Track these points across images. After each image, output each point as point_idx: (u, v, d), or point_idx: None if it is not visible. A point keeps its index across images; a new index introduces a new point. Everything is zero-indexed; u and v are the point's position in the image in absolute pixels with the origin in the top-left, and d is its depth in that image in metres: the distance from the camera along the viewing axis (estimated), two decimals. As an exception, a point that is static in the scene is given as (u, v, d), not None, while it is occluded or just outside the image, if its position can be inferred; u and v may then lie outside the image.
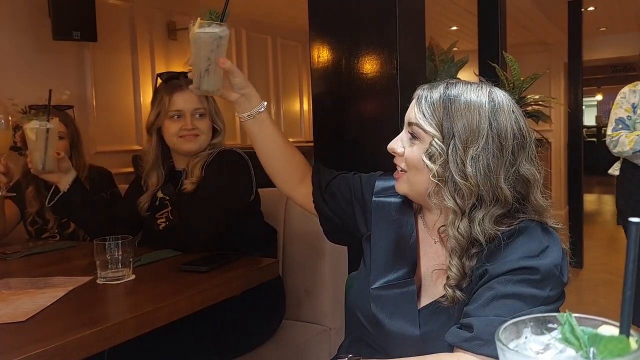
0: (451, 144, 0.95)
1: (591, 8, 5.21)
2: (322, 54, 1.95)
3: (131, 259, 1.34)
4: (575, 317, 0.50)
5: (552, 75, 6.67)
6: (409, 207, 1.10)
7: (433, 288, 1.03)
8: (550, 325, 0.53)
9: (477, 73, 2.37)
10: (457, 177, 0.94)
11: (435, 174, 0.96)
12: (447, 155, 0.95)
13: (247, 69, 5.31)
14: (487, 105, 0.96)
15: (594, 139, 12.53)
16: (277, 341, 1.78)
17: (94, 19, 3.53)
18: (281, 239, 1.99)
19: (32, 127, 1.62)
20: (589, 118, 13.99)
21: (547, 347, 0.51)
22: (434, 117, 0.97)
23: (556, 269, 0.91)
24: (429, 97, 0.99)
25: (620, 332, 0.47)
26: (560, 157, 6.93)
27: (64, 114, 2.10)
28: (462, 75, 2.03)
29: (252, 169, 1.76)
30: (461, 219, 0.95)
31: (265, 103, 1.27)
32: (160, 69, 4.45)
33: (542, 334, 0.53)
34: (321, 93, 2.01)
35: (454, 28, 5.60)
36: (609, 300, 3.80)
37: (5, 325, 1.00)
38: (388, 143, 1.07)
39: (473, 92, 0.98)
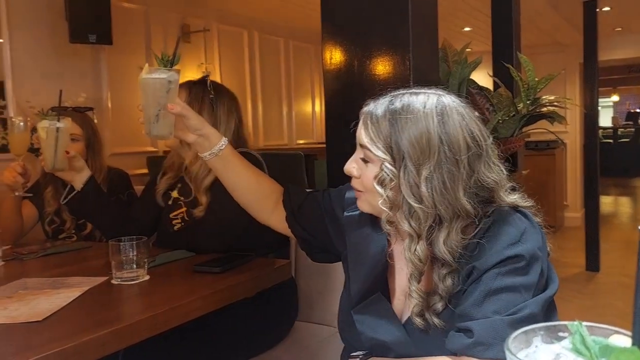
0: (402, 166, 0.90)
1: (606, 8, 5.15)
2: (335, 56, 1.96)
3: (146, 260, 1.35)
4: (586, 326, 0.49)
5: (568, 76, 6.60)
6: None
7: (409, 307, 0.99)
8: (560, 334, 0.52)
9: (491, 74, 2.36)
10: (410, 201, 0.90)
11: (386, 199, 0.92)
12: (399, 178, 0.91)
13: (259, 71, 5.33)
14: (434, 117, 0.91)
15: (610, 140, 12.39)
16: (290, 342, 1.78)
17: (109, 23, 3.57)
18: (294, 240, 1.99)
19: (43, 126, 1.65)
20: (605, 119, 13.84)
21: (557, 357, 0.50)
22: (379, 137, 0.93)
23: (539, 251, 0.90)
24: (374, 115, 0.94)
25: (633, 344, 0.46)
26: (576, 159, 6.86)
27: (82, 116, 2.12)
28: (476, 76, 2.02)
29: (267, 170, 1.77)
30: (417, 242, 0.91)
31: (226, 139, 1.25)
32: (174, 71, 4.49)
33: (553, 342, 0.52)
34: (333, 94, 2.02)
35: (468, 29, 5.57)
36: (626, 304, 3.74)
37: (23, 325, 1.01)
38: (344, 166, 1.04)
39: (419, 104, 0.93)
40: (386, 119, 0.92)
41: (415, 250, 0.91)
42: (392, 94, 0.97)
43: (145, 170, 3.86)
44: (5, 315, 1.07)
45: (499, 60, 2.58)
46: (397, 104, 0.94)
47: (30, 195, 1.96)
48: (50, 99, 3.35)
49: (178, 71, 1.18)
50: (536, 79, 1.90)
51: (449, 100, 0.95)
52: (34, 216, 2.09)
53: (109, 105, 3.96)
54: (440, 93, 0.96)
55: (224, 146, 1.23)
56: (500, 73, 2.38)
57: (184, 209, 1.77)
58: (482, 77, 2.22)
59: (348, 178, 1.34)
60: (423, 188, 0.89)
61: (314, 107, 6.29)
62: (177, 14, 4.50)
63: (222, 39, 4.86)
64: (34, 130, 3.36)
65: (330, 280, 1.89)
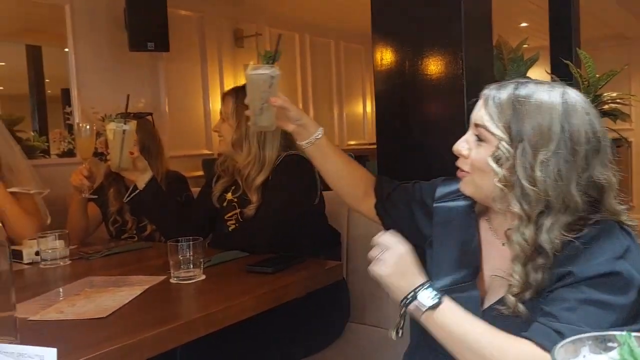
0: (519, 147, 0.92)
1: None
2: (385, 56, 1.95)
3: (202, 260, 1.40)
4: (635, 337, 0.47)
5: (632, 71, 6.28)
6: (471, 210, 1.08)
7: (496, 292, 1.00)
8: (609, 344, 0.51)
9: (549, 71, 2.28)
10: (524, 182, 0.90)
11: (502, 178, 0.93)
12: (515, 159, 0.92)
13: (310, 73, 5.38)
14: (559, 107, 0.92)
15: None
16: (342, 344, 1.79)
17: (166, 31, 3.70)
18: (345, 241, 2.00)
19: (111, 129, 1.75)
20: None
21: (605, 367, 0.48)
22: (501, 118, 0.94)
23: (638, 273, 0.87)
24: (496, 97, 0.96)
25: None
26: (642, 158, 6.53)
27: (139, 120, 2.21)
28: (533, 73, 1.96)
29: (316, 172, 1.79)
30: (527, 225, 0.92)
31: (322, 129, 1.33)
32: (228, 76, 4.61)
33: (601, 353, 0.50)
34: (384, 95, 2.00)
35: (524, 24, 5.41)
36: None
37: (89, 321, 1.07)
38: (452, 145, 1.06)
39: (545, 93, 0.94)
40: (510, 103, 0.94)
41: (523, 232, 0.92)
42: (516, 80, 0.99)
43: (200, 172, 3.97)
44: (73, 311, 1.13)
45: (557, 57, 2.49)
46: (522, 90, 0.95)
47: (96, 197, 2.06)
48: (111, 105, 3.51)
49: (279, 67, 1.27)
50: (597, 76, 1.83)
51: (574, 93, 0.96)
52: (98, 217, 2.20)
53: (167, 109, 4.10)
54: (565, 86, 0.98)
55: (320, 135, 1.30)
56: (558, 70, 2.30)
57: (237, 210, 1.81)
58: (540, 74, 2.15)
59: (402, 180, 1.35)
60: (538, 172, 0.90)
61: (364, 108, 6.28)
62: (230, 20, 4.61)
63: (273, 42, 4.93)
64: (98, 135, 3.53)
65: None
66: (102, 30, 3.72)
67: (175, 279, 1.36)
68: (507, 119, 0.94)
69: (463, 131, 1.71)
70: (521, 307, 0.92)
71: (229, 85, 4.59)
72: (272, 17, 4.89)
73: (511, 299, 0.93)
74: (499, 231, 1.03)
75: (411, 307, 0.96)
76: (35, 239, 1.68)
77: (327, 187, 1.86)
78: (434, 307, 0.94)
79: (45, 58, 3.77)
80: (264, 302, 1.25)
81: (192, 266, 1.37)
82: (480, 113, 0.98)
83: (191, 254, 1.37)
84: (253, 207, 1.74)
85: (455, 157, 1.06)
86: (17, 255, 1.66)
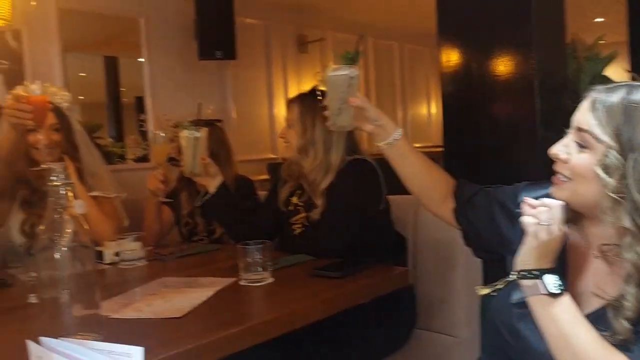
0: (631, 157, 0.85)
1: None
2: (452, 57, 1.91)
3: (270, 263, 1.43)
4: None
5: None
6: None
7: (583, 306, 0.94)
8: None
9: (629, 69, 2.16)
10: (637, 196, 0.84)
11: (613, 188, 0.86)
12: (626, 169, 0.85)
13: (374, 76, 5.37)
14: None
15: None
16: (409, 350, 1.77)
17: (233, 39, 3.82)
18: (410, 247, 1.97)
19: (184, 136, 1.83)
20: None
21: None
22: (610, 124, 0.87)
23: None
24: (606, 101, 0.89)
25: None
26: None
27: (206, 124, 2.29)
28: (611, 72, 1.86)
29: (382, 176, 1.78)
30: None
31: (401, 130, 1.31)
32: (292, 81, 4.68)
33: None
34: (451, 97, 1.97)
35: (600, 19, 5.14)
36: None
37: (166, 320, 1.12)
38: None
39: None
40: (622, 108, 0.88)
41: (637, 250, 0.86)
42: (628, 83, 0.93)
43: (265, 176, 4.06)
44: (151, 310, 1.19)
45: (637, 53, 2.35)
46: (637, 95, 0.89)
47: (170, 200, 2.15)
48: (182, 112, 3.65)
49: (358, 68, 1.29)
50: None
51: None
52: (172, 220, 2.30)
53: (234, 115, 4.22)
54: None
55: (399, 136, 1.29)
56: (638, 67, 2.17)
57: (303, 214, 1.84)
58: (618, 73, 2.04)
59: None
60: None
61: (429, 110, 6.19)
62: (294, 26, 4.69)
63: (337, 46, 4.97)
64: (170, 141, 3.67)
65: (451, 288, 1.84)
66: (174, 40, 3.89)
67: (244, 281, 1.40)
68: (618, 125, 0.87)
69: (534, 133, 1.66)
70: (622, 328, 0.86)
71: (293, 90, 4.66)
72: (336, 21, 4.92)
73: (624, 324, 0.86)
74: (591, 242, 0.97)
75: (528, 282, 0.92)
76: (114, 240, 1.78)
77: (392, 192, 1.86)
78: (554, 295, 0.90)
79: (121, 68, 3.98)
80: (332, 306, 1.26)
81: (260, 269, 1.41)
82: (586, 117, 0.91)
83: (260, 257, 1.40)
84: (318, 211, 1.76)
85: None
86: (98, 256, 1.76)
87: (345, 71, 1.27)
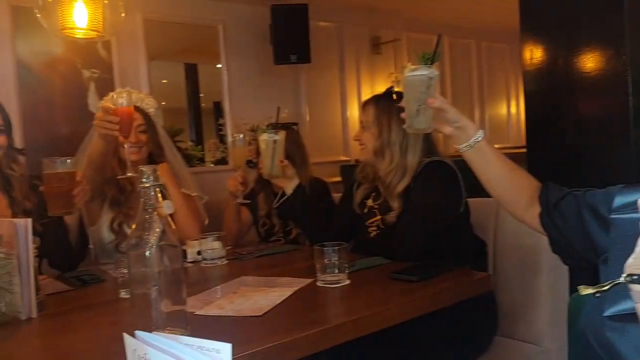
0: None
1: None
2: (536, 54, 1.84)
3: (346, 265, 1.43)
4: None
5: None
6: None
7: None
8: None
9: None
10: None
11: None
12: None
13: (449, 75, 5.25)
14: None
15: None
16: (489, 358, 1.71)
17: (308, 43, 3.86)
18: (491, 252, 1.91)
19: (263, 139, 1.87)
20: None
21: None
22: None
23: None
24: None
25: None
26: None
27: (287, 130, 2.34)
28: None
29: (461, 179, 1.74)
30: None
31: (482, 132, 1.26)
32: (365, 83, 4.67)
33: None
34: (535, 95, 1.89)
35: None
36: None
37: (247, 318, 1.15)
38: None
39: None
40: None
41: None
42: None
43: (338, 178, 4.07)
44: (232, 308, 1.22)
45: None
46: None
47: (249, 202, 2.21)
48: (258, 116, 3.75)
49: (438, 67, 1.26)
50: None
51: None
52: (250, 220, 2.37)
53: (307, 118, 4.27)
54: None
55: (480, 138, 1.24)
56: None
57: (379, 217, 1.82)
58: None
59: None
60: None
61: (509, 110, 5.96)
62: (368, 27, 4.68)
63: (411, 47, 4.91)
64: (248, 144, 3.78)
65: (535, 295, 1.77)
66: (250, 46, 4.00)
67: (321, 282, 1.41)
68: None
69: (628, 134, 1.55)
70: None
71: (366, 92, 4.65)
72: (410, 21, 4.86)
73: None
74: None
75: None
76: (197, 239, 1.86)
77: (472, 195, 1.81)
78: None
79: (201, 74, 4.14)
80: (409, 310, 1.24)
81: (337, 270, 1.41)
82: None
83: (336, 258, 1.41)
84: (394, 214, 1.74)
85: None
86: (182, 255, 1.83)
87: (424, 71, 1.24)
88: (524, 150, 1.96)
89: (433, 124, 1.27)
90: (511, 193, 1.26)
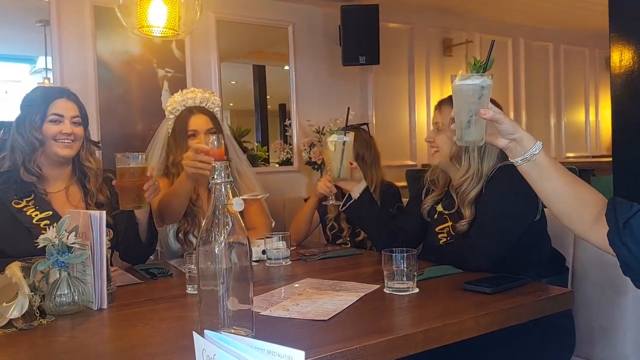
0: None
1: None
2: (626, 57, 1.71)
3: (415, 273, 1.37)
4: None
5: None
6: None
7: None
8: None
9: None
10: None
11: None
12: None
13: (524, 79, 5.04)
14: None
15: None
16: (565, 380, 1.59)
17: (377, 44, 3.81)
18: (570, 266, 1.79)
19: (332, 140, 1.82)
20: None
21: None
22: None
23: None
24: None
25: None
26: None
27: (355, 130, 2.30)
28: None
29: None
30: None
31: (540, 143, 1.16)
32: (435, 86, 4.56)
33: None
34: (623, 101, 1.76)
35: None
36: None
37: (313, 322, 1.12)
38: None
39: None
40: None
41: None
42: None
43: (404, 183, 3.99)
44: (297, 310, 1.20)
45: None
46: None
47: (339, 203, 2.15)
48: (324, 118, 3.74)
49: (491, 76, 1.17)
50: None
51: None
52: (317, 222, 2.35)
53: (374, 121, 4.22)
54: None
55: (538, 151, 1.15)
56: None
57: (449, 223, 1.75)
58: None
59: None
60: None
61: (587, 117, 5.64)
62: (439, 29, 4.57)
63: (484, 49, 4.75)
64: (311, 146, 3.78)
65: (619, 316, 1.64)
66: (319, 47, 3.99)
67: (389, 289, 1.36)
68: None
69: None
70: None
71: (435, 95, 4.54)
72: (484, 23, 4.70)
73: None
74: None
75: None
76: (262, 239, 1.85)
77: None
78: None
79: (268, 76, 4.18)
80: (484, 324, 1.17)
81: (405, 278, 1.36)
82: None
83: (405, 265, 1.35)
84: (466, 222, 1.65)
85: None
86: (248, 253, 1.84)
87: (475, 80, 1.14)
88: (607, 160, 1.83)
89: (486, 136, 1.18)
90: (574, 209, 1.16)
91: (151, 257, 1.99)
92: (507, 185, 1.60)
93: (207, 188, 2.11)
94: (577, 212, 1.16)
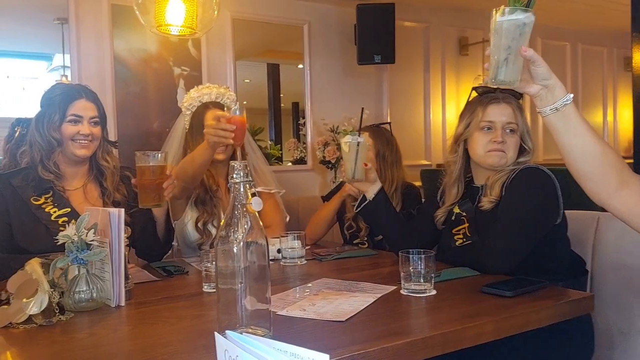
0: None
1: None
2: (648, 57, 1.68)
3: (433, 274, 1.36)
4: None
5: None
6: None
7: None
8: None
9: None
10: None
11: None
12: None
13: (540, 79, 4.98)
14: None
15: None
16: (584, 385, 1.57)
17: (393, 43, 3.79)
18: (589, 270, 1.76)
19: (346, 141, 1.81)
20: None
21: None
22: None
23: None
24: None
25: None
26: None
27: (376, 129, 2.29)
28: None
29: (559, 188, 1.61)
30: None
31: (571, 95, 1.12)
32: (450, 85, 4.53)
33: None
34: (646, 102, 1.72)
35: None
36: None
37: (329, 322, 1.11)
38: None
39: None
40: None
41: None
42: None
43: (418, 183, 3.96)
44: (314, 311, 1.19)
45: None
46: None
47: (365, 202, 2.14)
48: (338, 117, 3.73)
49: (534, 13, 1.13)
50: None
51: None
52: (334, 220, 2.35)
53: (389, 120, 4.20)
54: None
55: (569, 101, 1.11)
56: None
57: (465, 225, 1.73)
58: None
59: None
60: None
61: (605, 117, 5.57)
62: (456, 28, 4.53)
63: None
64: (326, 145, 3.77)
65: (636, 319, 1.61)
66: (334, 46, 3.98)
67: (405, 290, 1.35)
68: None
69: None
70: None
71: (451, 95, 4.51)
72: (499, 22, 4.65)
73: None
74: None
75: None
76: (277, 237, 1.85)
77: (570, 205, 1.67)
78: None
79: (282, 74, 4.18)
80: (503, 328, 1.15)
81: (422, 280, 1.35)
82: None
83: (423, 266, 1.34)
84: (490, 200, 1.63)
85: None
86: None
87: (519, 15, 1.10)
88: (628, 161, 1.79)
89: (520, 78, 1.12)
90: (600, 171, 1.11)
91: (166, 254, 2.00)
92: (530, 187, 1.59)
93: (226, 178, 2.12)
94: (603, 173, 1.11)
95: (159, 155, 1.64)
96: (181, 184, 1.94)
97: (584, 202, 1.99)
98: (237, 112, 1.75)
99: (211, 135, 1.79)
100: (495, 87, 1.22)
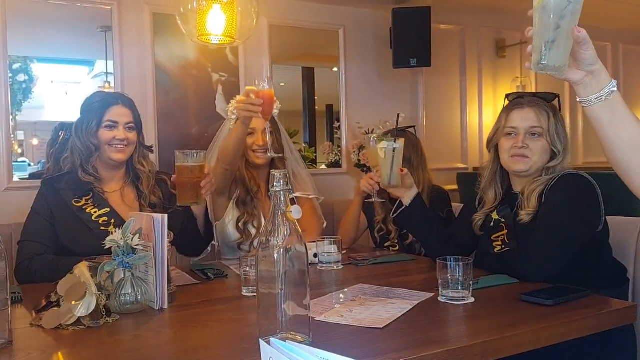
0: None
1: None
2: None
3: (471, 282, 1.35)
4: None
5: None
6: None
7: None
8: None
9: None
10: None
11: None
12: None
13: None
14: None
15: None
16: (627, 397, 1.53)
17: (429, 46, 3.76)
18: (631, 278, 1.72)
19: (382, 147, 1.82)
20: None
21: None
22: None
23: None
24: None
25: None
26: None
27: (401, 133, 2.29)
28: None
29: (600, 194, 1.58)
30: None
31: (616, 82, 1.05)
32: (487, 88, 4.46)
33: None
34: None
35: None
36: None
37: (367, 329, 1.12)
38: None
39: None
40: None
41: None
42: None
43: (454, 187, 3.92)
44: (352, 317, 1.20)
45: None
46: None
47: (384, 200, 2.15)
48: (373, 120, 3.72)
49: None
50: None
51: None
52: (365, 225, 2.36)
53: (424, 123, 4.17)
54: None
55: (615, 88, 1.05)
56: None
57: (505, 232, 1.71)
58: None
59: None
60: None
61: (648, 120, 5.39)
62: (492, 29, 4.47)
63: (538, 50, 4.61)
64: (361, 148, 3.77)
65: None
66: (369, 49, 3.98)
67: (443, 297, 1.35)
68: None
69: None
70: None
71: (488, 98, 4.44)
72: (538, 23, 4.56)
73: None
74: None
75: None
76: (314, 242, 1.87)
77: (612, 212, 1.63)
78: None
79: (317, 77, 4.21)
80: (543, 337, 1.14)
81: (460, 287, 1.34)
82: None
83: (461, 274, 1.34)
84: (528, 213, 1.61)
85: None
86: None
87: None
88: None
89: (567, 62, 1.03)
90: None
91: (208, 249, 2.04)
92: (570, 193, 1.56)
93: (267, 182, 2.17)
94: None
95: (198, 154, 1.70)
96: (223, 167, 2.03)
97: (625, 208, 1.94)
98: (266, 86, 1.79)
99: (241, 110, 1.87)
100: (539, 72, 1.12)
